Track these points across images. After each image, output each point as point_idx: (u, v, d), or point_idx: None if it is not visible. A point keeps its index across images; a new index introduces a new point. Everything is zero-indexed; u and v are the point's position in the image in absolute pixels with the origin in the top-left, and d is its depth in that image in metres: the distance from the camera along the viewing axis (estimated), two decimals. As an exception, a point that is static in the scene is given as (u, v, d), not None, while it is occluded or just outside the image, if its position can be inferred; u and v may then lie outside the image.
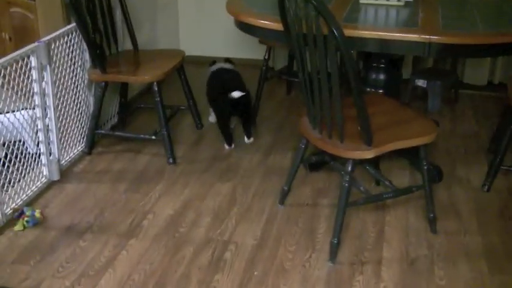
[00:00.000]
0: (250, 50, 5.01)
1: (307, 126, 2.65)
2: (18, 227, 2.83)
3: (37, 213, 2.89)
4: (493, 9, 3.10)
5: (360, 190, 2.79)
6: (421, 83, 4.16)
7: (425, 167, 2.66)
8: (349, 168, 2.48)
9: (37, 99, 3.05)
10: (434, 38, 2.57)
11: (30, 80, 3.00)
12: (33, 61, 2.98)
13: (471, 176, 3.33)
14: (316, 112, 2.51)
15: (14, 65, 2.85)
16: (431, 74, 4.21)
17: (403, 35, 2.63)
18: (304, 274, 2.55)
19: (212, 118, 3.93)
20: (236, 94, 3.45)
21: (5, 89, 2.85)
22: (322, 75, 2.30)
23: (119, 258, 2.64)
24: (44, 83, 3.08)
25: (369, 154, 2.41)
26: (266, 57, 4.08)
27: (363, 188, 2.77)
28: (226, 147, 3.64)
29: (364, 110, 2.29)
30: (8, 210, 2.90)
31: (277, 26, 2.66)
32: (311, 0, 2.13)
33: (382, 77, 3.27)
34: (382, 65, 3.26)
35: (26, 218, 2.85)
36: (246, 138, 3.67)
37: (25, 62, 2.94)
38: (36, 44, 3.01)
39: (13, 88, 2.89)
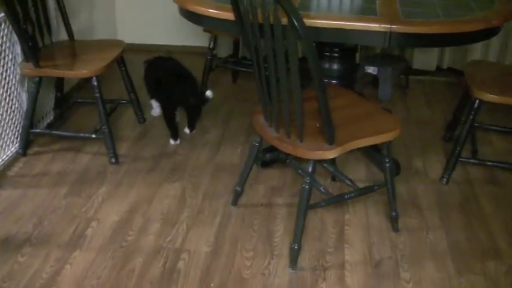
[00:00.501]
0: (192, 37, 4.78)
1: (263, 123, 2.46)
2: None
3: (-32, 225, 2.63)
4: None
5: (320, 191, 2.63)
6: (371, 70, 4.02)
7: (388, 164, 2.51)
8: (310, 169, 2.31)
9: (-36, 99, 2.77)
10: (396, 27, 2.41)
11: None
12: (-42, 57, 2.70)
13: (428, 167, 3.21)
14: (272, 108, 2.32)
15: None
16: (382, 61, 4.08)
17: (362, 24, 2.46)
18: (265, 283, 2.38)
19: (154, 112, 3.71)
20: (209, 93, 3.32)
21: None
22: (280, 69, 2.11)
23: (62, 274, 2.42)
24: (-30, 80, 2.80)
25: (331, 154, 2.24)
26: (211, 46, 3.87)
27: (323, 188, 2.61)
28: (172, 142, 3.43)
29: (327, 107, 2.12)
30: None
31: (229, 15, 2.46)
32: (267, -11, 1.93)
33: (336, 66, 3.11)
34: (336, 54, 3.09)
35: (-45, 231, 2.59)
36: (187, 130, 3.48)
37: (-52, 58, 2.65)
38: (-40, 38, 2.72)
39: None
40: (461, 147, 2.99)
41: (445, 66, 4.56)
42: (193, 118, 3.45)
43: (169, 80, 3.31)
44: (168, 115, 3.37)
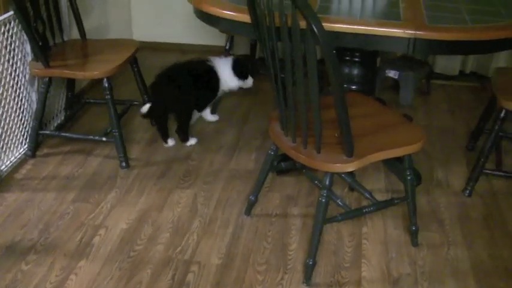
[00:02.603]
0: (209, 36, 4.69)
1: (278, 131, 2.36)
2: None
3: (-29, 231, 2.55)
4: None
5: (338, 204, 2.52)
6: (392, 74, 3.91)
7: (409, 178, 2.39)
8: (327, 183, 2.20)
9: (-30, 100, 2.69)
10: (420, 33, 2.30)
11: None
12: (-35, 56, 2.62)
13: (450, 178, 3.09)
14: (289, 116, 2.22)
15: None
16: (403, 64, 3.96)
17: (385, 29, 2.35)
18: (277, 300, 2.28)
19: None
20: (144, 109, 3.21)
21: None
22: (298, 74, 2.00)
23: (67, 285, 2.33)
24: (-22, 80, 2.72)
25: (350, 167, 2.13)
26: (227, 47, 3.78)
27: (341, 201, 2.50)
28: (164, 144, 3.35)
29: (347, 118, 2.01)
30: None
31: (245, 17, 2.37)
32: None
33: (356, 71, 3.01)
34: (357, 59, 2.99)
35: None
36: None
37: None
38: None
39: None
40: (486, 158, 2.87)
41: (468, 71, 4.43)
42: (177, 128, 3.36)
43: (153, 83, 3.23)
44: (155, 117, 3.37)
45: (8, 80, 3.01)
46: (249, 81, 3.43)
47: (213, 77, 3.31)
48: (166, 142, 3.34)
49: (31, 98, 3.23)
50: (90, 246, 2.54)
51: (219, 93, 3.40)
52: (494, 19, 2.47)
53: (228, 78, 3.34)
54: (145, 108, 3.22)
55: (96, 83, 3.92)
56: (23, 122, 3.20)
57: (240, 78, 3.37)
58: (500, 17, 2.50)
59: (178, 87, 3.19)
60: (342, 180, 2.94)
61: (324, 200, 2.22)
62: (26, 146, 3.22)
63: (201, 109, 3.46)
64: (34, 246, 2.54)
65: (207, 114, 3.60)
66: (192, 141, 3.36)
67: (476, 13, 2.54)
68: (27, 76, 3.17)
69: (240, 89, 3.43)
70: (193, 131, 3.42)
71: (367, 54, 2.99)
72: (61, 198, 2.87)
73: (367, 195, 2.59)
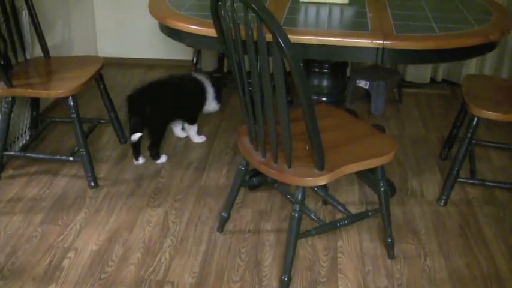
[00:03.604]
0: (176, 50, 4.69)
1: (248, 146, 2.36)
2: None
3: None
4: (442, 2, 2.89)
5: (311, 218, 2.53)
6: (363, 84, 3.95)
7: (383, 189, 2.42)
8: (299, 197, 2.21)
9: None
10: (389, 43, 2.33)
11: None
12: None
13: (424, 187, 3.13)
14: (258, 130, 2.23)
15: None
16: (373, 74, 4.00)
17: (353, 40, 2.37)
18: (252, 318, 2.28)
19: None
20: (135, 137, 3.23)
21: None
22: (266, 88, 2.02)
23: (34, 311, 2.31)
24: None
25: (322, 180, 2.14)
26: (195, 61, 3.79)
27: (314, 215, 2.51)
28: (134, 161, 3.35)
29: (316, 131, 2.02)
30: None
31: (211, 31, 2.38)
32: (251, 4, 1.84)
33: (325, 83, 3.03)
34: (326, 70, 3.01)
35: None
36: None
37: None
38: None
39: None
40: (460, 166, 2.90)
41: (439, 79, 4.50)
42: (150, 145, 3.37)
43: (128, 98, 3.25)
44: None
45: (-31, 101, 2.99)
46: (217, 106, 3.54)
47: (197, 87, 3.37)
48: (137, 159, 3.33)
49: (-6, 119, 3.21)
50: (60, 270, 2.52)
51: (206, 106, 3.45)
52: (462, 26, 2.52)
53: (211, 93, 3.42)
54: (136, 137, 3.22)
55: (61, 101, 3.91)
56: (-14, 143, 3.17)
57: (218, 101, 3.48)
58: (469, 24, 2.54)
59: (154, 102, 3.19)
60: (315, 194, 2.96)
61: (296, 215, 2.23)
62: (-10, 168, 3.19)
63: (192, 122, 3.53)
64: (1, 271, 2.51)
65: (194, 136, 3.61)
66: (163, 159, 3.36)
67: (444, 21, 2.58)
68: (-11, 96, 3.15)
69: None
70: (163, 148, 3.42)
71: (336, 65, 3.01)
72: (28, 221, 2.84)
73: (341, 208, 2.61)
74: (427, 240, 2.73)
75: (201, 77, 3.43)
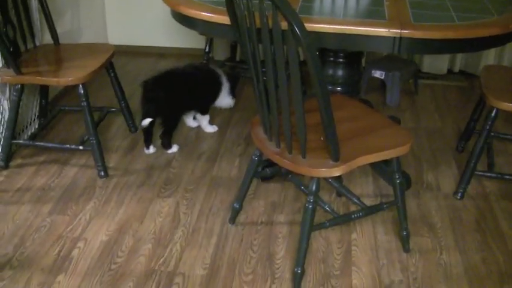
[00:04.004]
0: (187, 38, 4.70)
1: (262, 136, 2.37)
2: None
3: None
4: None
5: (325, 210, 2.54)
6: (378, 74, 3.95)
7: (398, 181, 2.42)
8: (314, 188, 2.22)
9: None
10: (406, 32, 2.33)
11: None
12: None
13: (441, 180, 3.13)
14: (272, 120, 2.23)
15: None
16: (389, 64, 4.00)
17: (369, 28, 2.37)
18: (265, 311, 2.30)
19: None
20: (145, 122, 3.23)
21: None
22: (281, 77, 2.02)
23: (44, 301, 2.33)
24: None
25: (337, 171, 2.15)
26: (207, 49, 3.80)
27: (328, 207, 2.52)
28: (145, 150, 3.38)
29: (332, 122, 2.03)
30: None
31: (224, 19, 2.39)
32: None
33: (340, 73, 3.03)
34: (341, 60, 3.01)
35: None
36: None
37: None
38: None
39: None
40: (477, 159, 2.90)
41: (456, 70, 4.49)
42: (162, 133, 3.39)
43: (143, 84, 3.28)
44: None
45: (-22, 88, 3.01)
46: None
47: (212, 78, 3.40)
48: (148, 148, 3.35)
49: (3, 107, 3.23)
50: (69, 260, 2.55)
51: (220, 100, 3.49)
52: (481, 16, 2.51)
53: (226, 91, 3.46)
54: (146, 122, 3.23)
55: (70, 89, 3.93)
56: (-6, 131, 3.20)
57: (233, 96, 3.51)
58: (488, 14, 2.54)
59: (169, 90, 3.21)
60: (329, 186, 2.96)
61: (310, 206, 2.24)
62: (-1, 156, 3.22)
63: (204, 112, 3.55)
64: (9, 262, 2.54)
65: (206, 125, 3.62)
66: (174, 149, 3.38)
67: (463, 10, 2.58)
68: (-2, 84, 3.17)
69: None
70: (174, 137, 3.43)
71: (351, 54, 3.01)
72: (37, 211, 2.87)
73: (356, 200, 2.62)
74: (443, 234, 2.73)
75: (218, 70, 3.46)
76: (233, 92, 3.51)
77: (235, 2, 2.09)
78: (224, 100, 3.50)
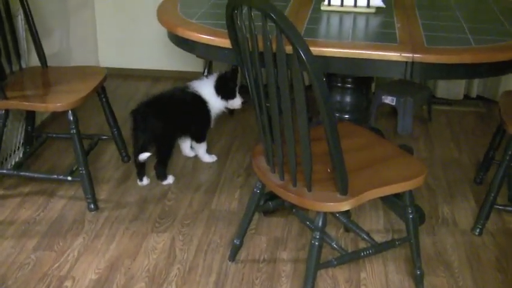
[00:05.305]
0: (184, 61, 4.74)
1: (264, 168, 2.39)
2: None
3: None
4: (478, 12, 2.92)
5: (332, 247, 2.55)
6: (389, 100, 3.97)
7: (411, 216, 2.43)
8: (320, 223, 2.23)
9: None
10: (419, 56, 2.35)
11: None
12: None
13: (457, 215, 3.14)
14: (276, 151, 2.25)
15: None
16: (401, 89, 4.03)
17: (379, 53, 2.40)
18: None
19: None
20: (143, 157, 3.25)
21: None
22: (285, 104, 2.04)
23: None
24: None
25: (345, 206, 2.17)
26: (205, 73, 3.83)
27: (336, 244, 2.53)
28: (138, 182, 3.40)
29: (340, 152, 2.05)
30: None
31: (225, 42, 2.43)
32: (270, 14, 1.87)
33: (348, 99, 3.06)
34: (349, 85, 3.04)
35: None
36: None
37: None
38: None
39: None
40: (497, 192, 2.92)
41: (474, 95, 4.51)
42: (156, 163, 3.41)
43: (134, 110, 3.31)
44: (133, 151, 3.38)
45: (-40, 114, 3.03)
46: (236, 101, 3.50)
47: (199, 103, 3.39)
48: (141, 180, 3.37)
49: (-14, 134, 3.26)
50: (55, 301, 2.56)
51: (214, 118, 3.47)
52: (500, 38, 2.54)
53: (213, 100, 3.40)
54: (144, 156, 3.27)
55: (58, 115, 3.95)
56: (-23, 160, 3.22)
57: (223, 97, 3.43)
58: (507, 36, 2.57)
59: (160, 116, 3.24)
60: (336, 220, 2.97)
61: (316, 243, 2.25)
62: (-19, 188, 3.24)
63: (200, 139, 3.55)
64: (-9, 302, 2.55)
65: (204, 155, 3.64)
66: (169, 180, 3.40)
67: (480, 32, 2.60)
68: (-19, 109, 3.20)
69: (218, 120, 3.49)
70: (169, 168, 3.45)
71: (360, 79, 3.05)
72: (20, 246, 2.88)
73: (365, 237, 2.62)
74: (460, 273, 2.74)
75: (195, 85, 3.43)
76: (237, 91, 3.47)
77: (237, 24, 2.12)
78: (216, 105, 3.47)
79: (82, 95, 3.07)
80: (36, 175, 3.31)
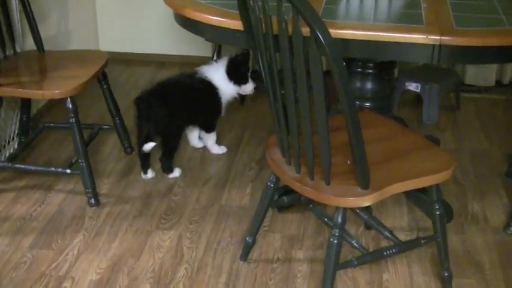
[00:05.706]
0: (192, 45, 4.74)
1: (279, 160, 2.39)
2: None
3: None
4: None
5: (352, 245, 2.55)
6: (413, 87, 3.97)
7: (438, 212, 2.43)
8: (339, 220, 2.23)
9: None
10: (447, 38, 2.35)
11: None
12: None
13: (488, 212, 3.13)
14: (291, 142, 2.25)
15: None
16: (426, 75, 4.02)
17: (404, 35, 2.40)
18: None
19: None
20: (147, 147, 3.27)
21: None
22: (302, 91, 2.04)
23: None
24: None
25: (366, 201, 2.17)
26: (214, 58, 3.83)
27: (356, 242, 2.54)
28: (142, 175, 3.41)
29: (361, 143, 2.04)
30: None
31: (236, 24, 2.43)
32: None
33: (370, 86, 3.06)
34: (370, 71, 3.03)
35: None
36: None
37: None
38: None
39: None
40: (530, 187, 2.92)
41: (506, 81, 4.50)
42: (162, 155, 3.42)
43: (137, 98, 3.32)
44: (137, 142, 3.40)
45: (-50, 102, 3.05)
46: (249, 87, 3.50)
47: (208, 89, 3.39)
48: (145, 173, 3.38)
49: (-22, 123, 3.28)
50: (53, 303, 2.58)
51: (224, 106, 3.48)
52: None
53: (224, 86, 3.40)
54: (149, 146, 3.28)
55: (56, 103, 3.97)
56: (-31, 152, 3.24)
57: (236, 83, 3.44)
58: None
59: (166, 104, 3.25)
60: (357, 217, 2.97)
61: (335, 241, 2.25)
62: (-27, 181, 3.26)
63: (209, 129, 3.56)
64: (-15, 304, 2.57)
65: (213, 146, 3.66)
66: (176, 173, 3.41)
67: (513, 10, 2.60)
68: (-27, 97, 3.22)
69: (228, 110, 3.49)
70: (176, 160, 3.46)
71: (382, 65, 3.04)
72: (16, 244, 2.90)
73: (388, 235, 2.63)
74: (492, 275, 2.73)
75: (205, 71, 3.45)
76: (249, 77, 3.48)
77: (250, 4, 2.12)
78: (227, 91, 3.48)
79: (81, 81, 3.08)
80: (32, 168, 3.33)
